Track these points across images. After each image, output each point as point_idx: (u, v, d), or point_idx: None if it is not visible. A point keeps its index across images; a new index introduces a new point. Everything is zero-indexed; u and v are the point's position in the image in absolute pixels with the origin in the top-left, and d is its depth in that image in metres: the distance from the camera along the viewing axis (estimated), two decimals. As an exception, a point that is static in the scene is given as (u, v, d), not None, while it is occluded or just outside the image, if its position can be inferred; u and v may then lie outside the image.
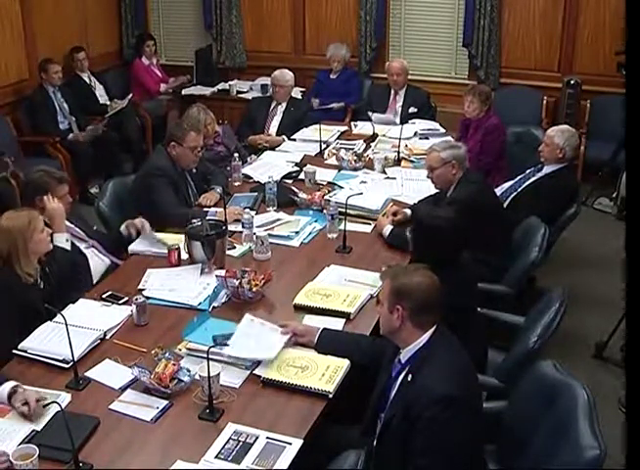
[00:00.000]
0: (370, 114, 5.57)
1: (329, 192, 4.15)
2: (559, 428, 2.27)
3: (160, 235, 3.65)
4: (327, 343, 2.76)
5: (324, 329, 2.82)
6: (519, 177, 4.50)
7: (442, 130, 5.26)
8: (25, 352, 2.76)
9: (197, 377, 2.55)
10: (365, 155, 4.82)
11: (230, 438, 2.34)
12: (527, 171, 4.44)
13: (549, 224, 3.77)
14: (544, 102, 6.33)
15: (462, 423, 2.23)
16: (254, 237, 3.55)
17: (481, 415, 2.41)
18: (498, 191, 4.36)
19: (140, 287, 3.24)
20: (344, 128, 5.46)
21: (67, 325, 2.52)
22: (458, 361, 2.37)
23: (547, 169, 4.31)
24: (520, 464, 2.41)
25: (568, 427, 2.23)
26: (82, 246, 3.61)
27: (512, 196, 4.37)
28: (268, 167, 4.60)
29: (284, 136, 5.32)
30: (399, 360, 2.44)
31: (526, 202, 4.19)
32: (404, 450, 2.29)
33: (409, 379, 2.35)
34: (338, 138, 5.23)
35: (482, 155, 4.96)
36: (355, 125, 5.52)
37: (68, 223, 3.60)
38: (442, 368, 2.30)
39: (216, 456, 2.27)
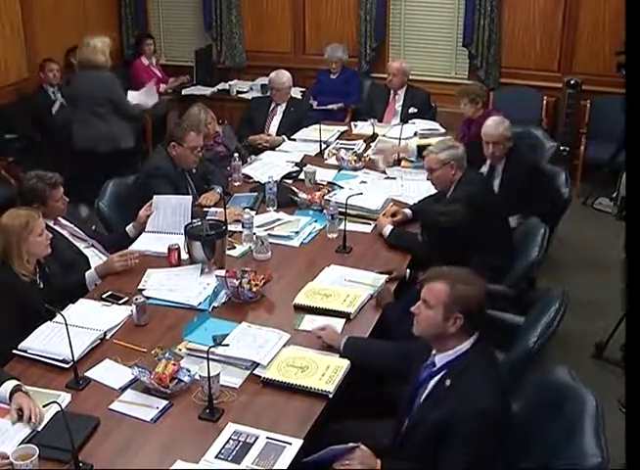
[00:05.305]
0: (371, 120, 5.56)
1: (329, 192, 4.15)
2: (565, 433, 2.26)
3: None
4: (351, 352, 2.73)
5: (349, 338, 2.78)
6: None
7: (442, 130, 5.26)
8: (25, 352, 2.76)
9: (197, 377, 2.55)
10: (365, 155, 4.82)
11: (230, 438, 2.34)
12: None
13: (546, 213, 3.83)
14: (544, 102, 6.33)
15: (496, 437, 2.23)
16: (254, 237, 3.55)
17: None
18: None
19: (140, 287, 3.24)
20: (344, 128, 5.47)
21: (67, 325, 2.52)
22: (499, 375, 2.35)
23: (500, 167, 4.31)
24: (523, 466, 2.41)
25: (573, 433, 2.22)
26: (82, 246, 3.62)
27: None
28: (268, 167, 4.60)
29: (284, 136, 5.31)
30: (433, 363, 2.39)
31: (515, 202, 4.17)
32: (431, 453, 2.27)
33: (447, 384, 2.32)
34: (338, 138, 5.24)
35: None
36: (355, 125, 5.53)
37: (67, 223, 3.62)
38: (487, 381, 2.27)
39: (216, 456, 2.27)
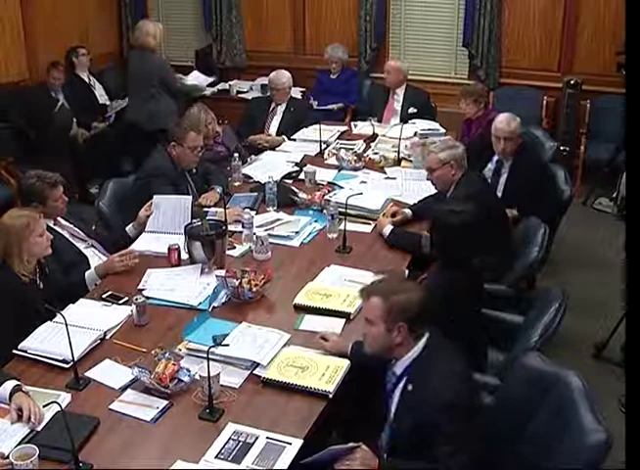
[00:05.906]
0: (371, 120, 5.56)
1: (329, 192, 4.15)
2: (558, 415, 2.27)
3: None
4: (358, 360, 2.72)
5: (354, 345, 2.76)
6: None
7: (442, 130, 5.26)
8: (25, 352, 2.76)
9: (197, 377, 2.55)
10: (365, 155, 4.82)
11: (230, 438, 2.34)
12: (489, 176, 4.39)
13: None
14: (544, 102, 6.33)
15: (472, 424, 2.25)
16: (254, 237, 3.55)
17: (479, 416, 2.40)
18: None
19: (140, 287, 3.24)
20: (344, 128, 5.47)
21: (67, 325, 2.52)
22: (455, 367, 2.35)
23: (508, 164, 4.32)
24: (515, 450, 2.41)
25: (568, 413, 2.23)
26: (82, 246, 3.62)
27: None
28: (268, 167, 4.60)
29: (284, 136, 5.32)
30: (393, 373, 2.43)
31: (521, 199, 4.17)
32: (421, 456, 2.28)
33: (410, 389, 2.36)
34: (338, 138, 5.24)
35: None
36: (355, 125, 5.53)
37: (67, 223, 3.62)
38: (442, 377, 2.30)
39: (216, 456, 2.27)
